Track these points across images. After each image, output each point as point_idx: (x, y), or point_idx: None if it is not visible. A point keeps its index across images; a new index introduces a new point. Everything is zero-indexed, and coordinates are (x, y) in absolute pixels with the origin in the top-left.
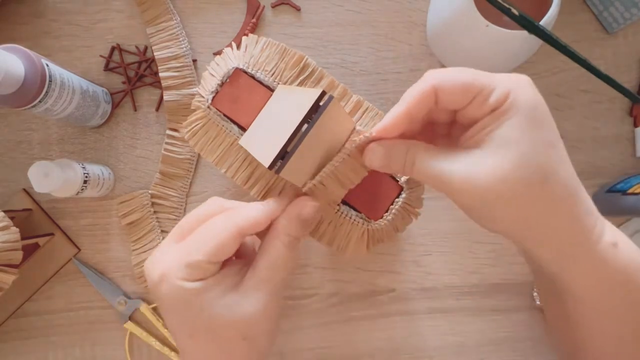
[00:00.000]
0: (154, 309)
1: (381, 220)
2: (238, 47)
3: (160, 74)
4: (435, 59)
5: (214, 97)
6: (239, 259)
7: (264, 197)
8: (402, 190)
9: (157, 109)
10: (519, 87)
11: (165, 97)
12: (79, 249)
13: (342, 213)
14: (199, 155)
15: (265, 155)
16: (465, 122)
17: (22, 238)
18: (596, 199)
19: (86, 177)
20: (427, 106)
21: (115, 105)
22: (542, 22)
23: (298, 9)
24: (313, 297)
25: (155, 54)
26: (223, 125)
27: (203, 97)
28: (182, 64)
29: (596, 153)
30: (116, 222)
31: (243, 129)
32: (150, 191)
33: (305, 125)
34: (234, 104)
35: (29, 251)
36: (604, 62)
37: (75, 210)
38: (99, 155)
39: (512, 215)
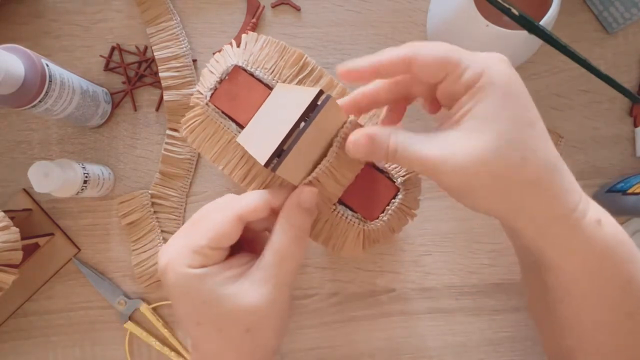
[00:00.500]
0: (154, 309)
1: (377, 220)
2: (238, 44)
3: (160, 74)
4: None
5: (212, 94)
6: (253, 253)
7: None
8: (399, 191)
9: (157, 109)
10: (493, 65)
11: (165, 97)
12: (79, 249)
13: (338, 212)
14: (199, 155)
15: (262, 153)
16: (445, 102)
17: (22, 238)
18: (596, 199)
19: (86, 177)
20: (397, 70)
21: (115, 105)
22: (542, 22)
23: (298, 9)
24: (313, 297)
25: (155, 53)
26: (221, 122)
27: (202, 93)
28: (182, 64)
29: (596, 153)
30: (116, 222)
31: (241, 127)
32: (150, 191)
33: (303, 124)
34: (233, 101)
35: (29, 251)
36: (604, 62)
37: (75, 210)
38: (99, 155)
39: (492, 195)
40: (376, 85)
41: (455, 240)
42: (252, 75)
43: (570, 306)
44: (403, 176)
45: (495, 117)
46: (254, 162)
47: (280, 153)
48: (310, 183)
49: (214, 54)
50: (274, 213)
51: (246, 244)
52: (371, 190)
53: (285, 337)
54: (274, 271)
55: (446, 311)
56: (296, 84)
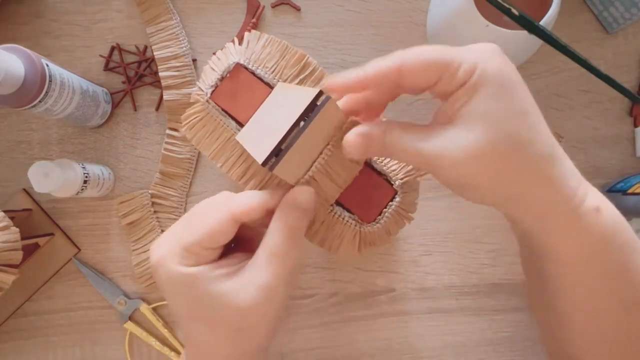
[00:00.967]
0: (154, 309)
1: (374, 223)
2: (240, 42)
3: (160, 74)
4: None
5: (213, 91)
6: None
7: None
8: (397, 194)
9: (157, 109)
10: (486, 57)
11: (165, 97)
12: (79, 249)
13: (335, 213)
14: (199, 154)
15: (260, 152)
16: (439, 97)
17: (22, 238)
18: None
19: (86, 177)
20: (388, 82)
21: (115, 105)
22: (542, 22)
23: (298, 9)
24: (313, 297)
25: (155, 53)
26: (221, 120)
27: (202, 90)
28: (182, 64)
29: (596, 153)
30: (116, 222)
31: (240, 125)
32: (150, 191)
33: (302, 124)
34: (233, 99)
35: (29, 251)
36: (604, 62)
37: (75, 210)
38: (99, 155)
39: (492, 187)
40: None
41: (455, 240)
42: (253, 73)
43: (568, 296)
44: (401, 179)
45: (489, 110)
46: (252, 161)
47: (278, 152)
48: (306, 182)
49: (214, 53)
50: (270, 214)
51: (242, 242)
52: (369, 192)
53: (285, 337)
54: (266, 272)
55: (446, 311)
56: (297, 84)
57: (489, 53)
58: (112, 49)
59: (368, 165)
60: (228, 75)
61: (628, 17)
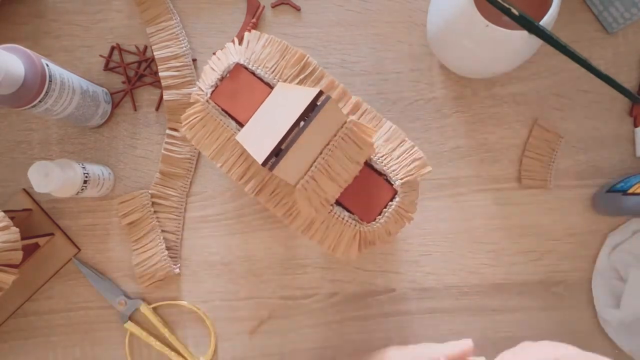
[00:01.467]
0: (154, 309)
1: (374, 222)
2: (240, 42)
3: (160, 74)
4: (435, 59)
5: (213, 91)
6: None
7: (258, 194)
8: (397, 194)
9: (157, 109)
10: None
11: (165, 97)
12: (79, 249)
13: (335, 213)
14: (199, 154)
15: (260, 152)
16: None
17: (22, 238)
18: (596, 199)
19: (86, 177)
20: None
21: (115, 105)
22: (542, 22)
23: (298, 9)
24: (313, 297)
25: (155, 53)
26: (221, 120)
27: (202, 90)
28: (182, 64)
29: (596, 153)
30: (116, 222)
31: (240, 125)
32: (150, 191)
33: (302, 124)
34: (233, 99)
35: (29, 251)
36: (604, 62)
37: (75, 210)
38: (99, 155)
39: None
40: None
41: (455, 240)
42: (253, 73)
43: None
44: (401, 179)
45: None
46: (252, 160)
47: (278, 152)
48: (306, 183)
49: (214, 53)
50: None
51: None
52: (369, 192)
53: (285, 337)
54: None
55: (446, 311)
56: (297, 84)
57: None
58: (112, 49)
59: (368, 165)
60: (228, 75)
61: (628, 17)
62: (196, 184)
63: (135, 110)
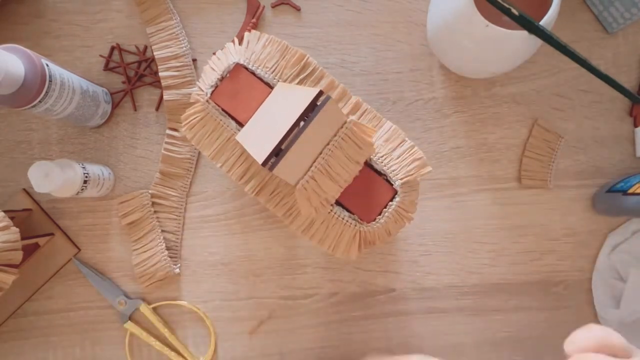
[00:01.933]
0: (154, 309)
1: (374, 222)
2: (240, 42)
3: (160, 74)
4: (435, 59)
5: (213, 91)
6: None
7: (258, 194)
8: (397, 194)
9: (157, 109)
10: None
11: (165, 97)
12: (79, 249)
13: (335, 213)
14: (199, 154)
15: (260, 152)
16: None
17: (22, 238)
18: (596, 199)
19: (86, 177)
20: None
21: (115, 105)
22: (542, 22)
23: (298, 9)
24: (313, 297)
25: (155, 53)
26: (221, 120)
27: (202, 90)
28: (182, 64)
29: (596, 153)
30: (116, 222)
31: (240, 125)
32: (150, 191)
33: (302, 124)
34: (233, 99)
35: (29, 251)
36: (604, 62)
37: (75, 210)
38: (99, 155)
39: None
40: None
41: (455, 240)
42: (253, 73)
43: None
44: (401, 179)
45: None
46: (252, 161)
47: (278, 152)
48: (306, 183)
49: (214, 53)
50: None
51: None
52: (369, 191)
53: (285, 337)
54: None
55: (446, 311)
56: (297, 84)
57: None
58: (112, 49)
59: (368, 165)
60: (228, 75)
61: (628, 17)
62: (196, 184)
63: (135, 110)
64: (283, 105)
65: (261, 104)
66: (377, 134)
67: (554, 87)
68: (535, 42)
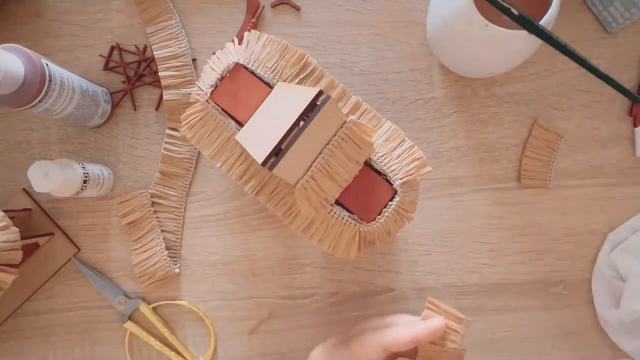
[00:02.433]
0: (154, 309)
1: (374, 222)
2: (240, 42)
3: (160, 74)
4: (435, 59)
5: (213, 91)
6: None
7: (258, 194)
8: (397, 194)
9: (157, 109)
10: None
11: (165, 97)
12: (79, 249)
13: (335, 213)
14: (199, 154)
15: (260, 152)
16: None
17: (22, 238)
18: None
19: (86, 177)
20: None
21: (115, 105)
22: (542, 22)
23: (298, 9)
24: (313, 296)
25: (155, 53)
26: (221, 120)
27: (202, 90)
28: (182, 64)
29: (596, 153)
30: (116, 222)
31: (240, 125)
32: (150, 191)
33: (302, 124)
34: (233, 99)
35: (29, 251)
36: (604, 62)
37: (75, 210)
38: (99, 155)
39: None
40: None
41: (455, 240)
42: (253, 73)
43: None
44: (401, 179)
45: None
46: (252, 161)
47: (278, 152)
48: (306, 183)
49: (214, 53)
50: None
51: None
52: (369, 191)
53: (285, 337)
54: None
55: None
56: (297, 84)
57: None
58: (112, 49)
59: (368, 165)
60: (228, 75)
61: (628, 17)
62: (196, 184)
63: (135, 110)
64: (283, 105)
65: (261, 104)
66: (377, 134)
67: (554, 87)
68: (535, 42)
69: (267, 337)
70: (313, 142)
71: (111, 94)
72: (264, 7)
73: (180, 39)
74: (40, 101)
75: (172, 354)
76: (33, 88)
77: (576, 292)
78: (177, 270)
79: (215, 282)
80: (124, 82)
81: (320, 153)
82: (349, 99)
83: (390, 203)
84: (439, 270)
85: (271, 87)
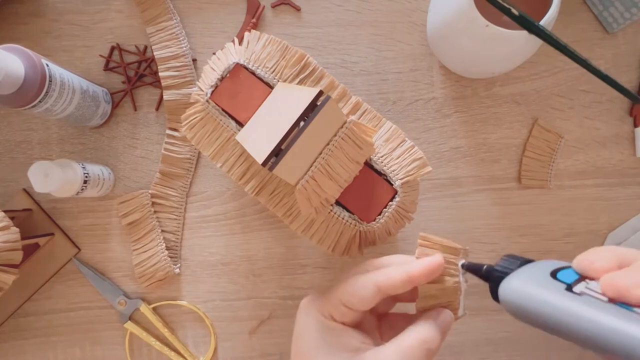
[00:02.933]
0: (154, 309)
1: (374, 222)
2: (240, 42)
3: (160, 74)
4: (435, 59)
5: (213, 91)
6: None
7: (258, 194)
8: (397, 194)
9: (157, 109)
10: None
11: (165, 97)
12: (79, 249)
13: (335, 213)
14: (199, 154)
15: (260, 152)
16: None
17: (22, 238)
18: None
19: (86, 177)
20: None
21: (115, 105)
22: (542, 22)
23: (298, 9)
24: None
25: (155, 53)
26: (221, 120)
27: (202, 90)
28: (182, 64)
29: (596, 153)
30: (116, 222)
31: (240, 125)
32: (150, 191)
33: (302, 124)
34: (233, 99)
35: (29, 251)
36: (604, 62)
37: (75, 210)
38: (99, 155)
39: None
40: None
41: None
42: (253, 73)
43: None
44: (401, 179)
45: None
46: (252, 161)
47: (278, 152)
48: (306, 183)
49: (214, 53)
50: (413, 288)
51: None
52: (369, 191)
53: (286, 337)
54: None
55: None
56: (297, 84)
57: None
58: (112, 49)
59: (368, 165)
60: (228, 75)
61: (628, 17)
62: (196, 184)
63: (135, 110)
64: (283, 105)
65: (261, 104)
66: (377, 134)
67: (554, 87)
68: (535, 42)
69: (267, 337)
70: (313, 142)
71: (111, 94)
72: (264, 7)
73: (180, 39)
74: (40, 101)
75: (172, 354)
76: (33, 88)
77: None
78: (177, 270)
79: (215, 282)
80: (124, 82)
81: (321, 153)
82: (349, 99)
83: (391, 203)
84: None
85: (271, 87)
